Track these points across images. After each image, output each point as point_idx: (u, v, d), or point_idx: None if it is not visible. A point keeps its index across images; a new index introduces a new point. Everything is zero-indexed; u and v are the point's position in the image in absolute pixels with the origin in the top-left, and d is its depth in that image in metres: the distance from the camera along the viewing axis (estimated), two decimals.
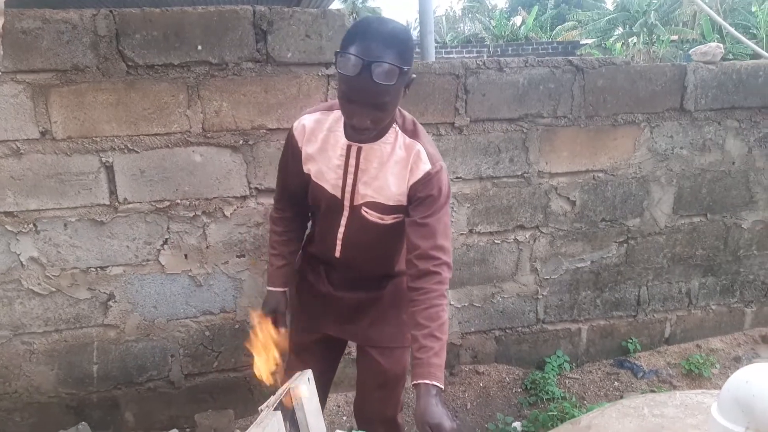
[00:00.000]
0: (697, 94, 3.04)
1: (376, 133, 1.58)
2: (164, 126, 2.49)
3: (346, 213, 1.74)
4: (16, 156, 2.41)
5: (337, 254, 1.83)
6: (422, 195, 1.63)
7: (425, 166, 1.62)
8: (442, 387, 1.53)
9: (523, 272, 3.12)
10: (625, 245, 3.21)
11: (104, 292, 2.62)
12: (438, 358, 1.55)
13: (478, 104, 2.79)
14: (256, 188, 2.65)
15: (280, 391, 1.43)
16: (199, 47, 2.43)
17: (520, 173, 2.95)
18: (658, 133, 3.06)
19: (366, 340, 1.95)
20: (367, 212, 1.71)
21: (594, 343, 3.34)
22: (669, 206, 3.21)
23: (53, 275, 2.55)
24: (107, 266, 2.59)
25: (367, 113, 1.47)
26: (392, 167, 1.64)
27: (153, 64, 2.42)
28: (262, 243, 2.71)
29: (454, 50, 14.36)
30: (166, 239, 2.62)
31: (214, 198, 2.62)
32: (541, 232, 3.07)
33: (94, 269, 2.58)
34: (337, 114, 1.65)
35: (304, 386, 1.50)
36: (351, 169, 1.66)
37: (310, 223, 2.00)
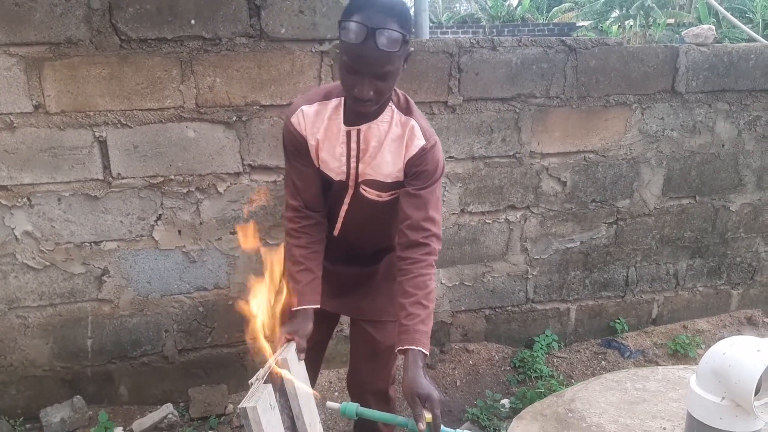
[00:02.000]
0: (688, 76, 3.06)
1: (377, 107, 1.57)
2: (157, 101, 2.50)
3: (350, 192, 1.76)
4: (9, 129, 2.41)
5: (336, 232, 1.85)
6: (417, 169, 1.65)
7: (420, 142, 1.64)
8: (427, 353, 1.57)
9: (514, 252, 3.15)
10: (615, 226, 3.25)
11: (98, 267, 2.63)
12: (424, 325, 1.58)
13: (471, 83, 2.80)
14: (249, 165, 2.66)
15: (268, 363, 1.46)
16: (193, 22, 2.43)
17: (512, 153, 2.97)
18: (649, 115, 3.09)
19: (359, 313, 1.97)
20: (365, 190, 1.73)
21: (582, 322, 3.39)
22: (658, 188, 3.24)
23: (47, 249, 2.56)
24: (101, 241, 2.61)
25: (369, 83, 1.46)
26: (389, 145, 1.65)
27: (146, 38, 2.42)
28: (255, 220, 2.73)
29: (449, 30, 14.28)
30: (160, 215, 2.63)
31: (208, 174, 2.63)
32: (532, 213, 3.10)
33: (88, 244, 2.60)
34: (335, 102, 1.66)
35: (291, 357, 1.53)
36: (353, 153, 1.67)
37: None
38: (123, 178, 2.56)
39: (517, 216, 3.09)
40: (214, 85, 2.53)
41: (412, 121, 1.65)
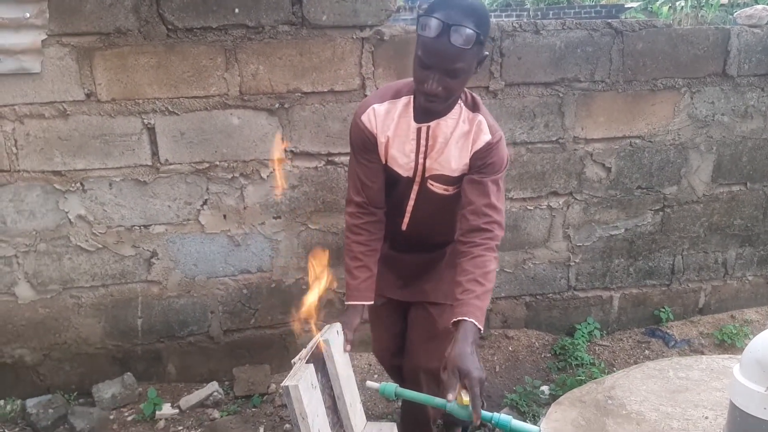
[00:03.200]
0: (740, 59, 2.95)
1: (445, 105, 1.63)
2: (203, 89, 2.56)
3: (415, 188, 1.81)
4: (63, 117, 2.50)
5: (404, 227, 1.90)
6: (483, 162, 1.70)
7: (486, 137, 1.69)
8: (481, 328, 1.57)
9: (556, 239, 3.12)
10: (661, 213, 3.17)
11: (147, 250, 2.73)
12: (479, 300, 1.59)
13: (513, 68, 2.77)
14: (291, 151, 2.70)
15: (311, 343, 1.50)
16: (237, 10, 2.47)
17: (555, 139, 2.93)
18: (698, 99, 2.99)
19: (423, 296, 2.02)
20: (432, 185, 1.78)
21: (626, 311, 3.34)
22: (708, 174, 3.15)
23: (100, 232, 2.67)
24: (150, 225, 2.70)
25: (439, 79, 1.52)
26: (456, 140, 1.70)
27: (192, 28, 2.47)
28: (297, 205, 2.78)
29: (492, 14, 14.04)
30: (206, 200, 2.71)
31: (251, 160, 2.68)
32: (575, 199, 3.06)
33: (137, 227, 2.69)
34: (405, 100, 1.71)
35: (333, 338, 1.56)
36: (422, 149, 1.73)
37: None
38: (171, 164, 2.64)
39: (560, 202, 3.05)
40: (257, 73, 2.57)
41: (480, 117, 1.70)
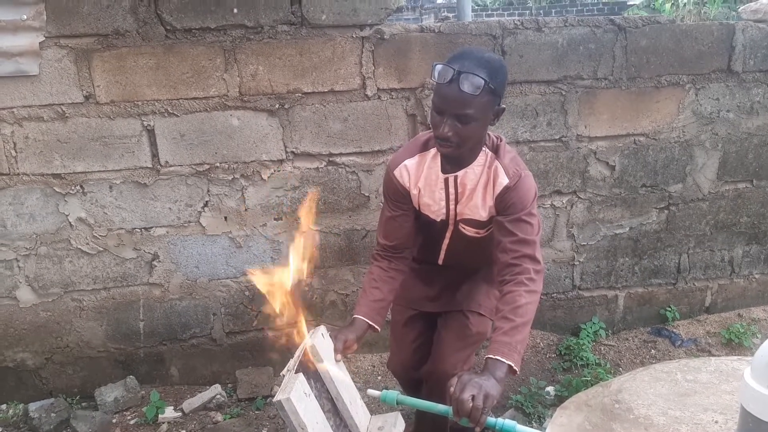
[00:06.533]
0: (745, 55, 2.91)
1: (458, 151, 1.69)
2: (202, 90, 2.54)
3: (450, 228, 1.92)
4: (61, 119, 2.49)
5: (440, 261, 2.03)
6: (505, 204, 1.77)
7: (503, 181, 1.75)
8: (510, 363, 1.56)
9: (560, 238, 3.09)
10: (666, 211, 3.14)
11: (149, 252, 2.71)
12: (507, 337, 1.59)
13: (515, 66, 2.74)
14: (292, 152, 2.68)
15: (297, 352, 1.48)
16: (235, 10, 2.45)
17: (557, 137, 2.90)
18: (703, 96, 2.96)
19: (455, 306, 2.10)
20: (464, 228, 1.88)
21: (631, 310, 3.30)
22: (713, 172, 3.11)
23: (100, 235, 2.65)
24: (151, 227, 2.68)
25: (450, 124, 1.59)
26: (481, 188, 1.80)
27: (190, 28, 2.45)
28: (299, 206, 2.75)
29: (495, 13, 13.98)
30: (207, 201, 2.69)
31: (252, 161, 2.66)
32: (579, 198, 3.03)
33: (138, 230, 2.68)
34: (433, 152, 1.81)
35: (319, 342, 1.54)
36: (452, 197, 1.83)
37: None
38: (171, 166, 2.62)
39: (563, 201, 3.02)
40: (256, 73, 2.55)
41: (496, 162, 1.77)
